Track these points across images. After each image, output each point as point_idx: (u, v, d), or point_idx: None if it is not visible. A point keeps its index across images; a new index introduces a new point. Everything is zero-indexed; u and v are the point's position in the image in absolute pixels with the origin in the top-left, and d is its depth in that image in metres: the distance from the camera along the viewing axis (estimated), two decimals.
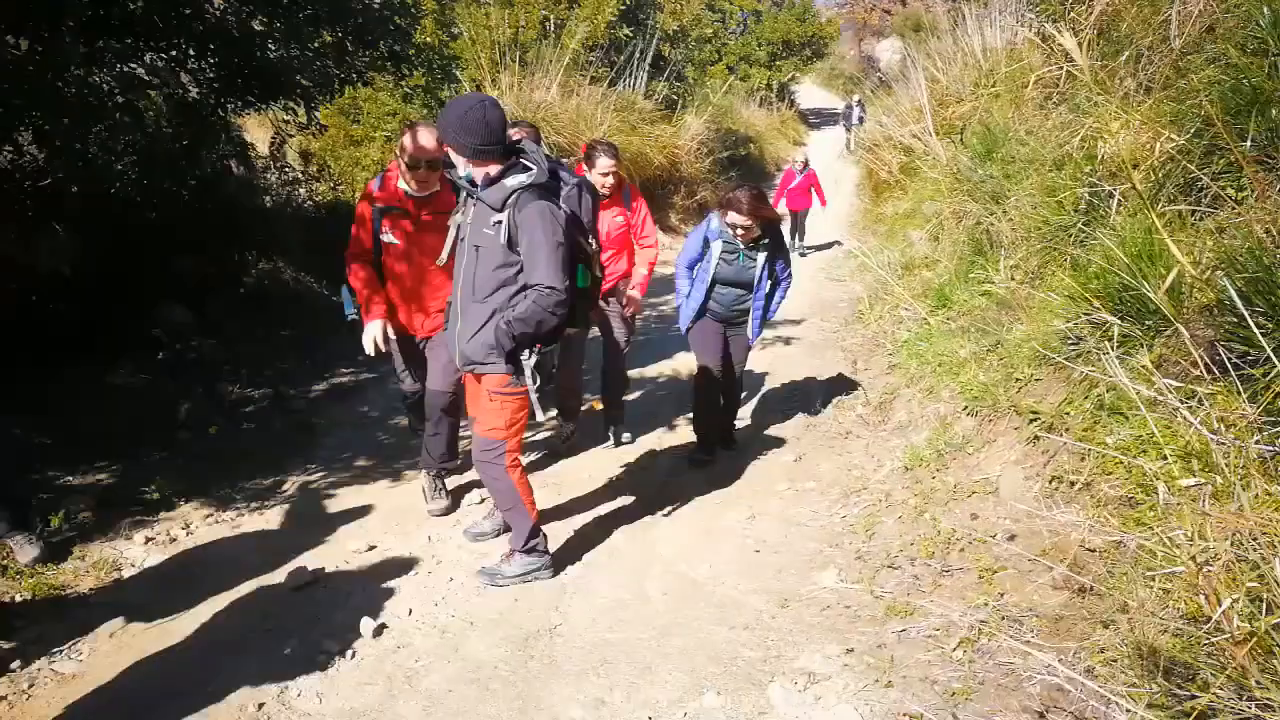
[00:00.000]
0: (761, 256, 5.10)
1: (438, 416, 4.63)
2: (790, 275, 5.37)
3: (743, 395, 6.09)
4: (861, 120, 22.62)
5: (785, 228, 11.35)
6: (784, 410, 6.42)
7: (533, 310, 3.44)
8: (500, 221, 3.47)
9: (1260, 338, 2.16)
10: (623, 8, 14.34)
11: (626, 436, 5.89)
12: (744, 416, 6.24)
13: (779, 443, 5.81)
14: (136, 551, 4.25)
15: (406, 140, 4.23)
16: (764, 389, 6.88)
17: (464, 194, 3.72)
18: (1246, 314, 2.24)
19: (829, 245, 13.71)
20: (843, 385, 6.71)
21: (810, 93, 37.56)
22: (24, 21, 4.62)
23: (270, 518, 4.69)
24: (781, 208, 12.67)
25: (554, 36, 13.11)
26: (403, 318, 4.51)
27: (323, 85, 6.36)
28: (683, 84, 17.19)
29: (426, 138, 4.13)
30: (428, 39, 10.32)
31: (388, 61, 6.70)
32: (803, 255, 12.92)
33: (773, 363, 7.60)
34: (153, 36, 5.17)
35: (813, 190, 13.12)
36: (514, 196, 3.46)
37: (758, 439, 5.91)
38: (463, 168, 3.57)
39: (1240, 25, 4.25)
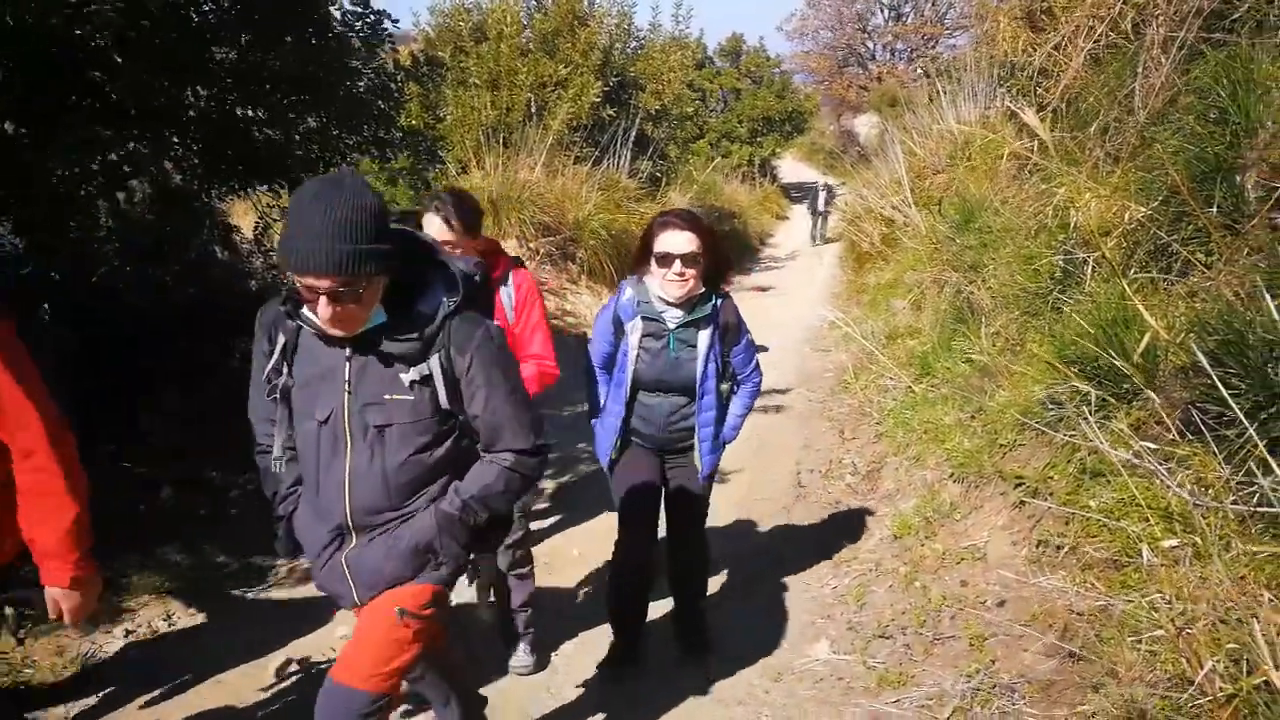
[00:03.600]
0: (704, 339, 3.44)
1: None
2: (759, 373, 3.74)
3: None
4: (829, 204, 21.26)
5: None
6: (773, 481, 6.41)
7: (506, 483, 2.33)
8: (427, 376, 2.22)
9: (1231, 401, 2.20)
10: (606, 89, 14.70)
11: (528, 660, 3.93)
12: (735, 492, 6.23)
13: (769, 514, 5.79)
14: (117, 645, 4.18)
15: None
16: (753, 461, 6.87)
17: (300, 343, 2.30)
18: (1215, 378, 2.28)
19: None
20: (831, 455, 6.72)
21: (792, 167, 38.29)
22: (25, 110, 4.73)
23: (255, 606, 4.64)
24: None
25: (538, 118, 13.40)
26: None
27: (307, 170, 6.46)
28: (666, 162, 17.52)
29: None
30: (413, 122, 10.54)
31: (372, 146, 6.82)
32: None
33: (760, 433, 7.61)
34: (136, 125, 5.27)
35: None
36: (441, 329, 2.22)
37: (748, 511, 5.89)
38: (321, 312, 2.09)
39: (1200, 97, 4.39)
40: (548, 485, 6.08)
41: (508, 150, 12.65)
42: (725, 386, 3.65)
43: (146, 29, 4.76)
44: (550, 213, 12.15)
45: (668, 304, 3.41)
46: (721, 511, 5.84)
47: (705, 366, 3.48)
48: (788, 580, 4.74)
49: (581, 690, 3.77)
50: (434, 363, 2.21)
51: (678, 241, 3.29)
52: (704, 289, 3.43)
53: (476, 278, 2.32)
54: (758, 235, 23.08)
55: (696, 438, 3.59)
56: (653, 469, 3.66)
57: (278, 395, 2.30)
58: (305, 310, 2.13)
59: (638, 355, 3.49)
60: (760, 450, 7.14)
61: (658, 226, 3.38)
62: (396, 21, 6.62)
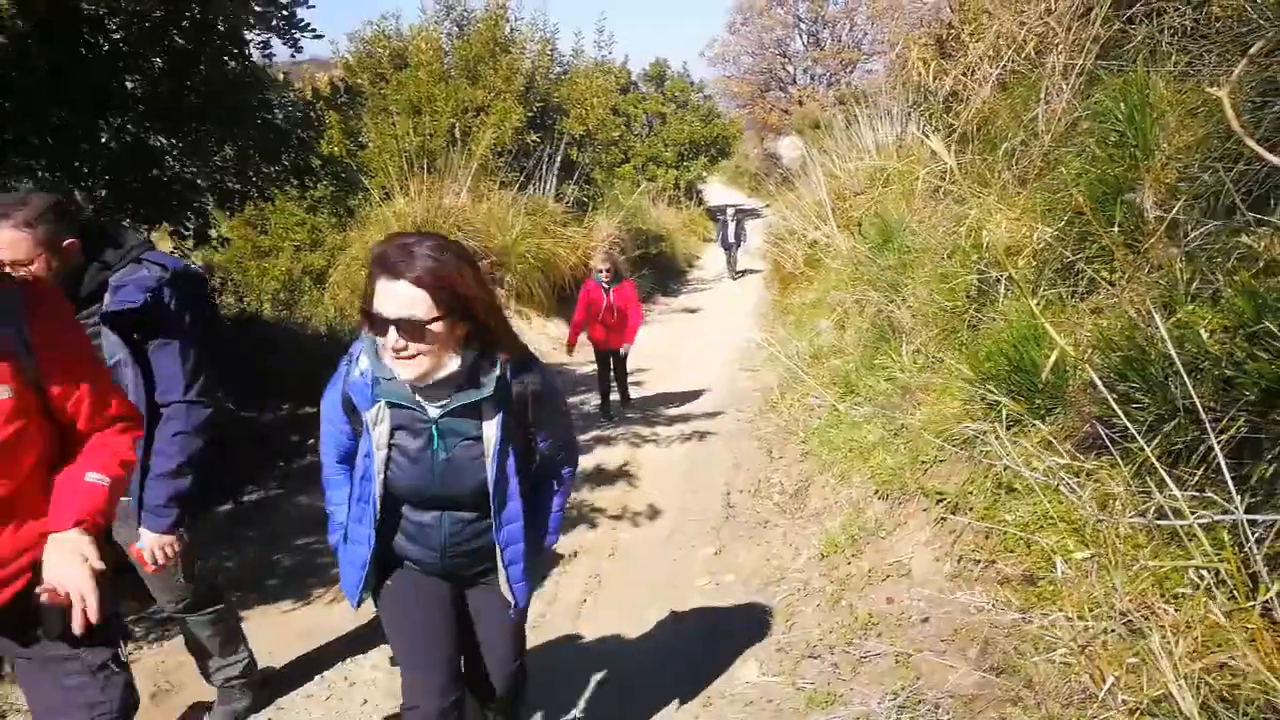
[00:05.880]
0: (491, 431, 2.31)
1: None
2: (575, 456, 2.73)
3: None
4: (741, 234, 20.07)
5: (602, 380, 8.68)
6: (703, 502, 6.44)
7: None
8: None
9: (1125, 418, 2.28)
10: (529, 114, 14.73)
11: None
12: (666, 511, 6.23)
13: (699, 535, 5.80)
14: (21, 696, 4.01)
15: None
16: (684, 482, 6.89)
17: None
18: (1111, 397, 2.36)
19: (687, 398, 9.76)
20: (760, 474, 6.77)
21: (717, 191, 38.76)
22: None
23: (170, 649, 4.48)
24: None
25: (462, 143, 13.37)
26: None
27: (223, 201, 6.33)
28: (592, 186, 17.60)
29: None
30: (334, 149, 10.43)
31: (291, 175, 6.71)
32: (612, 419, 8.81)
33: (691, 454, 7.64)
34: (43, 155, 5.11)
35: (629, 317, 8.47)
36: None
37: (678, 533, 5.90)
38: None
39: (1100, 121, 4.56)
40: None
41: (432, 176, 12.59)
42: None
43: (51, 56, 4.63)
44: (477, 238, 12.11)
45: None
46: (653, 534, 5.86)
47: (500, 469, 2.35)
48: (717, 602, 4.75)
49: None
50: None
51: (391, 300, 2.07)
52: (476, 355, 2.24)
53: None
54: (685, 258, 23.29)
55: (501, 562, 2.47)
56: (439, 598, 2.61)
57: None
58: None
59: (389, 459, 2.34)
60: (690, 471, 7.17)
61: (373, 265, 2.11)
62: (309, 2, 6.24)
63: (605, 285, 8.34)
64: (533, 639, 4.45)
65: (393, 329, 2.07)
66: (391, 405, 2.27)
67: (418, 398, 2.26)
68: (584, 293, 8.51)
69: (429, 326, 2.07)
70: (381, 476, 2.34)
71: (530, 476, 2.53)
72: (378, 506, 2.38)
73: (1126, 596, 2.19)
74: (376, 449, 2.31)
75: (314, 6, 6.06)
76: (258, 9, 5.77)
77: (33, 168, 5.17)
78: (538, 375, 2.38)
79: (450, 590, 2.61)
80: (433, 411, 2.27)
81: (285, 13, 5.88)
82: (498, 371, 2.27)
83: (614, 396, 9.11)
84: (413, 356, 2.11)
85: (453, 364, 2.19)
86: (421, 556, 2.50)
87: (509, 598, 2.53)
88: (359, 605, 2.58)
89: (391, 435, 2.31)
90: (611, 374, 8.90)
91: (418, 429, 2.30)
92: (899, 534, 4.48)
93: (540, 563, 2.69)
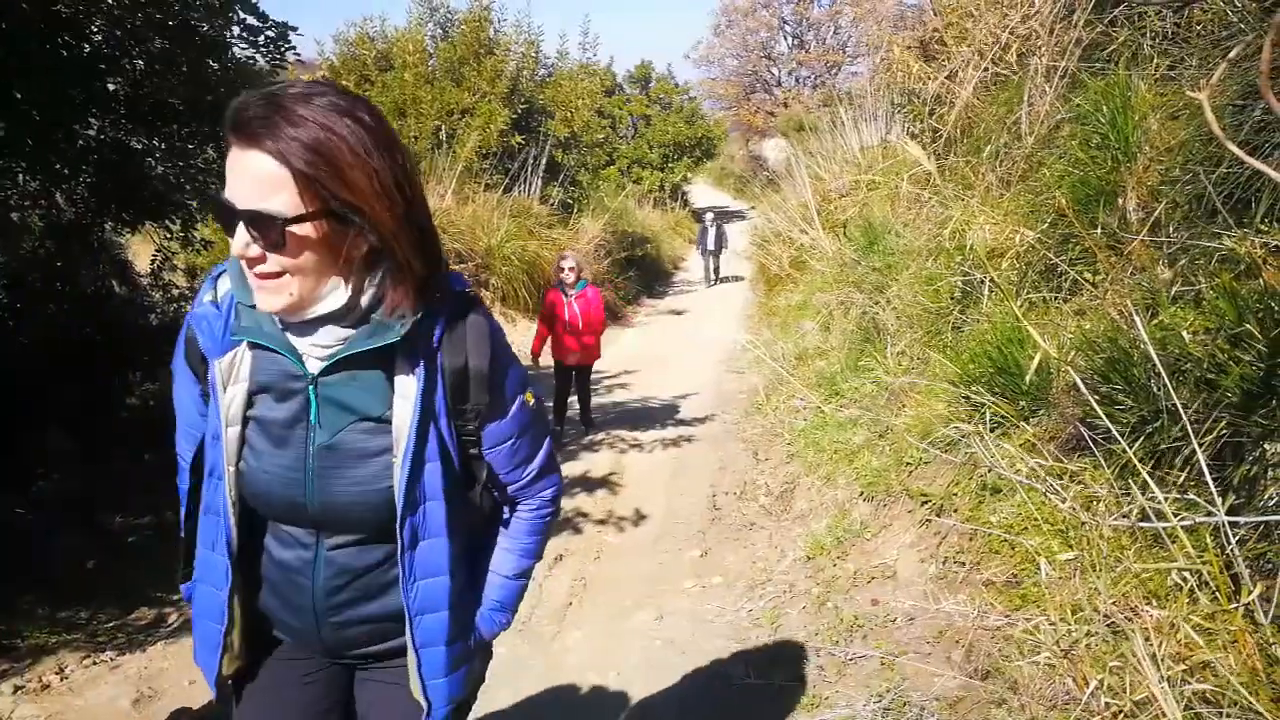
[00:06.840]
0: (405, 401, 1.43)
1: None
2: (553, 481, 1.71)
3: None
4: (720, 242, 19.11)
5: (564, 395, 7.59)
6: (689, 504, 6.43)
7: None
8: None
9: (1107, 420, 2.28)
10: (514, 116, 14.71)
11: None
12: (652, 514, 6.23)
13: (685, 538, 5.79)
14: (3, 703, 3.97)
15: None
16: (670, 484, 6.88)
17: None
18: (1093, 399, 2.36)
19: (673, 401, 9.45)
20: (745, 476, 6.77)
21: (703, 192, 38.80)
22: None
23: (152, 655, 4.45)
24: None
25: (447, 145, 13.35)
26: None
27: (205, 203, 6.30)
28: (577, 188, 17.59)
29: None
30: None
31: None
32: (588, 430, 8.14)
33: (678, 457, 7.63)
34: (23, 157, 5.07)
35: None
36: None
37: (665, 536, 5.89)
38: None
39: (1082, 123, 4.58)
40: None
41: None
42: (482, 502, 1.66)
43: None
44: (462, 240, 12.09)
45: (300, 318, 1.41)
46: (639, 536, 5.85)
47: (415, 474, 1.48)
48: (703, 605, 4.74)
49: None
50: None
51: (240, 181, 1.30)
52: (381, 285, 1.41)
53: None
54: (671, 260, 23.28)
55: (411, 637, 1.57)
56: (308, 696, 1.71)
57: None
58: None
59: (243, 440, 1.51)
60: (676, 474, 7.16)
61: (226, 121, 1.31)
62: (297, 29, 6.35)
63: (567, 291, 7.50)
64: (517, 643, 4.45)
65: (241, 227, 1.30)
66: (256, 348, 1.45)
67: (289, 336, 1.43)
68: (548, 298, 7.68)
69: (292, 229, 1.29)
70: (233, 469, 1.50)
71: (471, 505, 1.63)
72: (232, 520, 1.53)
73: (1110, 599, 2.20)
74: (226, 424, 1.47)
75: (302, 34, 6.19)
76: (247, 20, 5.85)
77: (13, 169, 5.14)
78: (483, 337, 1.50)
79: (330, 690, 1.73)
80: (312, 364, 1.43)
81: (273, 32, 5.96)
82: (425, 311, 1.43)
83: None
84: (276, 275, 1.33)
85: (336, 296, 1.38)
86: (290, 619, 1.62)
87: (419, 697, 1.60)
88: (219, 686, 1.65)
89: (250, 403, 1.48)
90: (573, 390, 8.06)
91: (288, 390, 1.46)
92: (884, 536, 4.49)
93: (481, 650, 1.73)
